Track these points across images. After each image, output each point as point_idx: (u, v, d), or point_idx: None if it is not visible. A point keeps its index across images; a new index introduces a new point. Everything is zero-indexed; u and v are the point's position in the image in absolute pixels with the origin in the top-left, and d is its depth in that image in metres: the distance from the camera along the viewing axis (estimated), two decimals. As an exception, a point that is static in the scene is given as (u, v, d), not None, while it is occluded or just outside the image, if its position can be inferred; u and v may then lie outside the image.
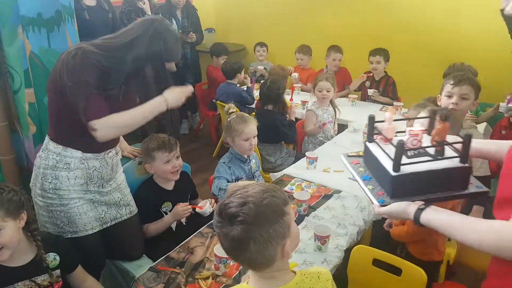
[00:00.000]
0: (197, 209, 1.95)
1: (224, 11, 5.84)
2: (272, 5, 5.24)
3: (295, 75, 4.20)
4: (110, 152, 1.79)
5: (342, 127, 3.39)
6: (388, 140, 1.19)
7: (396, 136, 1.22)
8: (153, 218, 2.01)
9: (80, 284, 1.68)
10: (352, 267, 1.78)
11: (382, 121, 1.23)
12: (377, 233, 2.25)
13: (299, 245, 1.76)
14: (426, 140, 1.18)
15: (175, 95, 1.69)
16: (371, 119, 1.22)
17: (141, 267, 1.81)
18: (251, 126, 2.20)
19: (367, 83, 3.93)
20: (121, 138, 2.09)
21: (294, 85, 4.14)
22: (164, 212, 2.03)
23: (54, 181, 1.67)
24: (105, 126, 1.54)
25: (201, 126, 4.88)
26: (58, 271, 1.58)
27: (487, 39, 3.78)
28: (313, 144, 3.19)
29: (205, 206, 1.94)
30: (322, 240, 1.74)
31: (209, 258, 1.73)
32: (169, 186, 2.08)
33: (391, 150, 1.10)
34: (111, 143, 1.78)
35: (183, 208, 1.95)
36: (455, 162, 1.11)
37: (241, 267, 1.67)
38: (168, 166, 1.98)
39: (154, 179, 2.07)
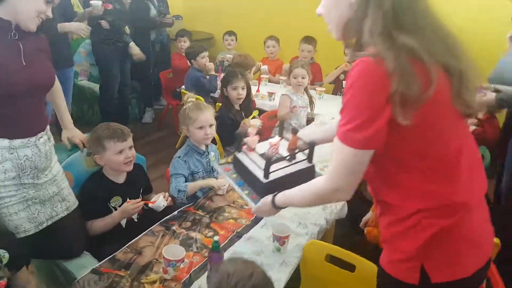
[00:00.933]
0: (150, 204, 1.81)
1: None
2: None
3: (265, 67, 4.07)
4: (41, 137, 1.61)
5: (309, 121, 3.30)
6: (252, 149, 1.54)
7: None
8: (101, 214, 1.85)
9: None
10: (305, 263, 1.69)
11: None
12: (340, 232, 2.18)
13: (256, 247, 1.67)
14: (282, 146, 1.53)
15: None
16: (238, 135, 1.63)
17: (83, 268, 1.65)
18: (207, 114, 2.09)
19: (342, 76, 3.87)
20: (71, 125, 1.92)
21: (261, 75, 4.02)
22: (113, 207, 1.88)
23: None
24: None
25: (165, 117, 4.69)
26: (6, 270, 1.40)
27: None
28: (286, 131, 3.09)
29: (158, 200, 1.80)
30: (281, 240, 1.65)
31: (158, 260, 1.60)
32: (120, 179, 1.93)
33: (256, 157, 1.49)
34: (40, 125, 1.62)
35: (133, 205, 1.80)
36: (305, 163, 1.50)
37: (191, 270, 1.54)
38: (120, 157, 1.83)
39: (104, 172, 1.91)
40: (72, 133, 1.91)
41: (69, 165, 1.87)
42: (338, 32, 1.11)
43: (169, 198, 1.90)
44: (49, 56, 1.71)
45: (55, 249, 1.74)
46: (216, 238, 1.48)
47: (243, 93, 2.80)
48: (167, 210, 1.88)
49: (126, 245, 1.68)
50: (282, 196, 1.30)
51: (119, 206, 1.88)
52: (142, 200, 1.86)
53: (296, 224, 1.84)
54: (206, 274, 1.51)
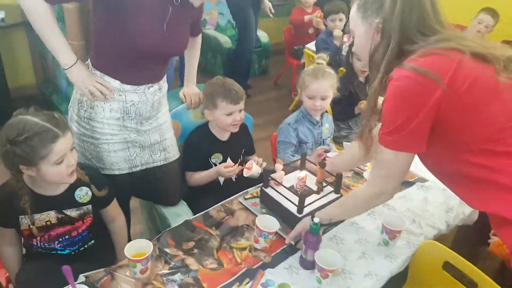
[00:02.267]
0: (245, 171, 1.71)
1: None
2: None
3: None
4: (151, 87, 1.58)
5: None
6: (280, 184, 1.57)
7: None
8: (201, 168, 1.81)
9: (109, 223, 1.57)
10: (416, 263, 1.45)
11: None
12: (457, 236, 1.85)
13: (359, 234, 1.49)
14: (309, 179, 1.61)
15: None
16: (267, 171, 1.61)
17: (178, 217, 1.65)
18: (322, 84, 1.86)
19: None
20: (192, 84, 1.88)
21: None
22: (213, 163, 1.82)
23: (89, 110, 1.52)
24: None
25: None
26: (89, 207, 1.46)
27: None
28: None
29: (253, 167, 1.69)
30: (391, 234, 1.43)
31: (250, 227, 1.50)
32: (224, 136, 1.85)
33: (286, 191, 1.53)
34: (153, 77, 1.57)
35: (228, 170, 1.72)
36: (333, 195, 1.57)
37: (284, 246, 1.42)
38: (229, 119, 1.74)
39: (209, 126, 1.85)
40: (190, 90, 1.86)
41: (178, 114, 1.85)
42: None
43: (264, 163, 1.78)
44: (200, 12, 1.69)
45: (152, 193, 1.77)
46: (316, 220, 1.32)
47: None
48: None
49: (220, 203, 1.62)
50: (323, 215, 1.36)
51: (219, 163, 1.82)
52: (239, 165, 1.77)
53: (409, 220, 1.58)
54: (298, 253, 1.38)
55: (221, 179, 1.84)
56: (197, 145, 1.81)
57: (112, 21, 1.40)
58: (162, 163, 1.72)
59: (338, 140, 2.50)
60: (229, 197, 1.66)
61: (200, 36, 1.84)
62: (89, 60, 1.54)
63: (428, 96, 0.99)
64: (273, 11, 3.91)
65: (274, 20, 4.31)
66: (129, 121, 1.57)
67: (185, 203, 1.78)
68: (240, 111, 1.77)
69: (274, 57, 4.84)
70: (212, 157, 1.81)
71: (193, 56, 1.87)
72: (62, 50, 1.42)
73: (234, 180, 1.86)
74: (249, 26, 3.87)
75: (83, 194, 1.44)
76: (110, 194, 1.52)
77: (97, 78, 1.48)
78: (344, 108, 2.41)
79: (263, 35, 4.64)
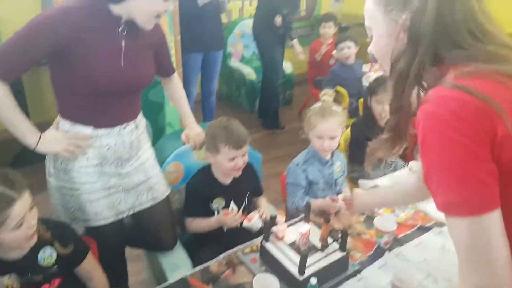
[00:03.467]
0: (244, 222, 1.64)
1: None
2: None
3: None
4: (127, 126, 1.52)
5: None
6: (280, 239, 1.45)
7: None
8: (201, 213, 1.74)
9: (85, 282, 1.48)
10: None
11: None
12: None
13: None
14: (313, 235, 1.45)
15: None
16: (268, 224, 1.46)
17: (176, 270, 1.58)
18: (329, 124, 1.76)
19: None
20: (192, 124, 1.81)
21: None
22: (215, 209, 1.75)
23: (65, 161, 1.47)
24: None
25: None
26: (55, 268, 1.36)
27: None
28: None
29: (253, 219, 1.61)
30: (401, 292, 1.28)
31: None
32: (227, 180, 1.78)
33: (287, 249, 1.42)
34: (126, 116, 1.52)
35: (231, 220, 1.65)
36: (338, 253, 1.42)
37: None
38: (231, 164, 1.68)
39: (212, 169, 1.79)
40: (192, 131, 1.79)
41: (180, 156, 1.82)
42: None
43: (267, 217, 1.67)
44: (164, 46, 1.66)
45: (145, 239, 1.71)
46: (314, 281, 1.21)
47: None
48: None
49: (222, 254, 1.52)
50: None
51: (222, 208, 1.74)
52: (243, 211, 1.70)
53: (425, 274, 1.43)
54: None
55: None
56: (197, 189, 1.75)
57: (67, 69, 1.38)
58: (150, 204, 1.65)
59: (354, 180, 2.36)
60: (233, 245, 1.55)
61: (175, 75, 1.79)
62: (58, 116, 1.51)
63: (488, 128, 0.70)
64: (302, 57, 3.88)
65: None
66: (108, 166, 1.52)
67: (185, 250, 1.71)
68: (244, 155, 1.70)
69: (299, 87, 4.79)
70: (213, 202, 1.74)
71: (178, 98, 1.81)
72: (25, 132, 1.38)
73: (238, 226, 1.78)
74: (276, 65, 3.87)
75: (46, 256, 1.33)
76: (81, 250, 1.44)
77: (67, 136, 1.44)
78: (359, 153, 2.26)
79: (287, 66, 4.62)
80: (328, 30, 3.99)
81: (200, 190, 1.74)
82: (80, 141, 1.44)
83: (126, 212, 1.61)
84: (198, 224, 1.73)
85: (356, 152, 2.25)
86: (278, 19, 3.55)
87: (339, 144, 1.92)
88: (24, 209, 1.20)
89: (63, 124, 1.47)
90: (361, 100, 2.99)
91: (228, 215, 1.65)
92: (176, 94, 1.81)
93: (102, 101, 1.43)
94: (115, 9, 1.37)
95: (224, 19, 4.46)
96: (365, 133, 2.22)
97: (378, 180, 1.99)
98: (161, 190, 1.69)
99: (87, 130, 1.46)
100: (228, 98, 4.79)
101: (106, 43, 1.39)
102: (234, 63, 4.66)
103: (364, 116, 2.36)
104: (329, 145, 1.79)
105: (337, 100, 3.14)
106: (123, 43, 1.42)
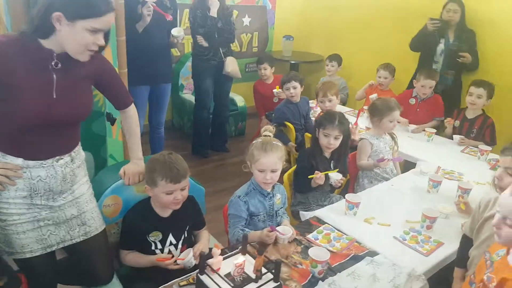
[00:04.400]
0: (178, 261, 1.65)
1: (305, 17, 5.47)
2: (361, 15, 4.74)
3: (374, 96, 3.64)
4: (60, 159, 1.51)
5: (408, 165, 2.84)
6: (215, 271, 1.45)
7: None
8: (138, 246, 1.72)
9: None
10: None
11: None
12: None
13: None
14: (249, 266, 1.48)
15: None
16: (203, 257, 1.45)
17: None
18: (271, 158, 1.81)
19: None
20: (135, 160, 1.80)
21: (364, 107, 3.63)
22: (152, 241, 1.73)
23: None
24: None
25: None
26: None
27: None
28: (368, 179, 2.70)
29: (187, 258, 1.63)
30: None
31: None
32: (166, 213, 1.77)
33: (221, 281, 1.42)
34: (60, 149, 1.51)
35: (165, 263, 1.64)
36: (271, 283, 1.45)
37: None
38: (169, 197, 1.68)
39: (151, 202, 1.77)
40: (132, 167, 1.79)
41: (119, 189, 1.79)
42: None
43: (200, 255, 1.63)
44: (108, 77, 1.65)
45: (77, 275, 1.66)
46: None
47: (335, 143, 2.36)
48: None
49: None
50: None
51: (159, 241, 1.73)
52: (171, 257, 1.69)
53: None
54: None
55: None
56: (134, 222, 1.72)
57: (3, 100, 1.37)
58: (81, 239, 1.61)
59: (295, 211, 2.42)
60: (170, 278, 1.54)
61: (130, 109, 1.78)
62: None
63: None
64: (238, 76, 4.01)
65: (250, 84, 4.41)
66: (38, 198, 1.49)
67: (121, 285, 1.67)
68: (183, 189, 1.70)
69: (253, 119, 4.89)
70: (150, 235, 1.72)
71: (128, 131, 1.81)
72: None
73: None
74: (204, 93, 3.95)
75: None
76: (12, 285, 1.41)
77: None
78: (305, 182, 2.34)
79: (239, 99, 4.77)
80: (265, 71, 4.17)
81: (137, 222, 1.72)
82: (9, 172, 1.41)
83: (55, 246, 1.56)
84: (134, 259, 1.71)
85: (302, 180, 2.36)
86: (199, 39, 3.66)
87: (280, 177, 1.98)
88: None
89: None
90: (307, 134, 3.11)
91: (162, 260, 1.65)
92: (127, 126, 1.80)
93: (32, 134, 1.42)
94: (45, 43, 1.39)
95: (176, 52, 4.55)
96: (311, 162, 2.36)
97: (318, 212, 2.07)
98: (95, 226, 1.66)
99: (18, 161, 1.43)
100: (180, 128, 4.81)
101: (37, 76, 1.39)
102: (186, 95, 4.72)
103: (312, 146, 2.49)
104: (270, 178, 1.84)
105: (284, 134, 3.27)
106: (54, 76, 1.42)
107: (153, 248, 1.73)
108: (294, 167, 2.50)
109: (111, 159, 2.29)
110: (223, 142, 4.39)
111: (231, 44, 3.96)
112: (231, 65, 3.87)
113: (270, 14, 5.40)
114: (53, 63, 1.40)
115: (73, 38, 1.36)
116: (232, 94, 4.38)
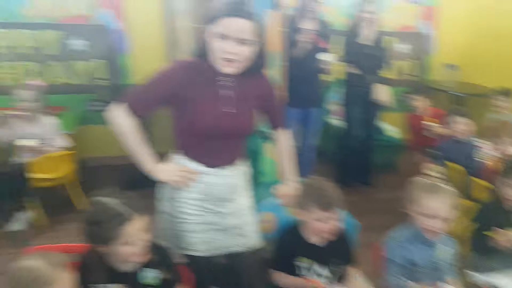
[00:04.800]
0: None
1: (472, 45, 4.93)
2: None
3: None
4: (227, 169, 1.64)
5: None
6: None
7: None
8: (286, 268, 1.71)
9: None
10: None
11: None
12: None
13: None
14: None
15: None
16: None
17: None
18: (441, 204, 1.62)
19: None
20: (288, 181, 1.81)
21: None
22: (298, 266, 1.71)
23: (172, 190, 1.63)
24: None
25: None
26: None
27: None
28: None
29: None
30: None
31: None
32: (314, 240, 1.73)
33: None
34: (226, 159, 1.64)
35: (315, 285, 1.61)
36: None
37: None
38: (319, 225, 1.65)
39: (301, 226, 1.75)
40: (285, 189, 1.80)
41: (274, 206, 1.84)
42: None
43: None
44: (270, 100, 1.71)
45: (230, 283, 1.74)
46: None
47: None
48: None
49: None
50: None
51: (305, 267, 1.70)
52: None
53: None
54: None
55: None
56: (284, 244, 1.73)
57: (179, 112, 1.56)
58: (242, 250, 1.69)
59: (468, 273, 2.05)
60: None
61: (285, 131, 1.82)
62: None
63: None
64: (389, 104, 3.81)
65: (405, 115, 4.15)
66: (208, 203, 1.63)
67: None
68: (334, 219, 1.65)
69: (405, 153, 4.54)
70: (296, 259, 1.70)
71: (282, 152, 1.83)
72: (145, 160, 1.58)
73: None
74: (352, 120, 3.84)
75: (151, 276, 1.47)
76: (174, 278, 1.52)
77: (178, 168, 1.60)
78: (481, 239, 1.99)
79: (391, 130, 4.49)
80: (419, 102, 3.85)
81: (286, 245, 1.72)
82: (186, 174, 1.59)
83: (217, 250, 1.68)
84: (282, 279, 1.71)
85: (480, 241, 2.04)
86: (349, 65, 3.56)
87: (450, 228, 1.73)
88: (135, 230, 1.36)
89: (176, 157, 1.65)
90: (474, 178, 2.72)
91: (312, 283, 1.62)
92: (281, 147, 1.83)
93: (206, 143, 1.59)
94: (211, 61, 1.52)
95: (325, 77, 4.54)
96: (492, 220, 2.02)
97: (498, 280, 1.75)
98: (253, 241, 1.73)
99: (194, 166, 1.61)
100: (325, 153, 4.74)
101: (208, 92, 1.54)
102: (334, 120, 4.65)
103: (492, 200, 2.16)
104: (435, 225, 1.64)
105: (446, 176, 2.92)
106: (227, 93, 1.56)
107: (298, 272, 1.71)
108: (465, 218, 2.18)
109: (264, 176, 2.35)
110: (369, 174, 4.19)
111: (383, 71, 3.80)
112: (382, 93, 3.71)
113: (430, 41, 5.04)
114: (223, 80, 1.54)
115: (211, 48, 1.47)
116: (384, 124, 4.17)
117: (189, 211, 1.62)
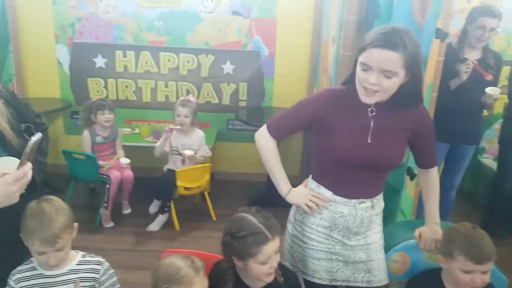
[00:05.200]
0: None
1: None
2: None
3: None
4: (363, 203, 1.57)
5: None
6: None
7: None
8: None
9: None
10: None
11: None
12: None
13: None
14: None
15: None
16: None
17: None
18: None
19: None
20: (434, 220, 1.70)
21: None
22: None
23: (303, 214, 1.65)
24: None
25: None
26: None
27: None
28: None
29: None
30: None
31: None
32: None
33: None
34: (365, 193, 1.58)
35: None
36: None
37: None
38: (465, 277, 1.49)
39: (442, 274, 1.61)
40: (428, 231, 1.68)
41: (410, 248, 1.72)
42: None
43: None
44: (424, 137, 1.61)
45: None
46: None
47: None
48: None
49: None
50: None
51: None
52: None
53: None
54: None
55: None
56: (419, 288, 1.59)
57: (320, 137, 1.58)
58: (364, 285, 1.62)
59: None
60: None
61: (433, 170, 1.69)
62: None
63: None
64: None
65: None
66: (336, 233, 1.60)
67: None
68: (484, 273, 1.47)
69: None
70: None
71: (428, 192, 1.71)
72: (281, 182, 1.64)
73: None
74: (509, 160, 3.36)
75: None
76: None
77: (311, 193, 1.62)
78: None
79: None
80: None
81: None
82: (319, 201, 1.60)
83: (339, 281, 1.64)
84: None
85: None
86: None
87: None
88: (272, 250, 1.43)
89: (311, 183, 1.67)
90: None
91: None
92: (427, 187, 1.73)
93: (344, 172, 1.56)
94: None
95: (484, 112, 4.11)
96: None
97: None
98: (379, 277, 1.64)
99: (328, 194, 1.60)
100: (470, 195, 4.26)
101: (354, 121, 1.52)
102: (486, 159, 4.17)
103: None
104: None
105: None
106: (371, 123, 1.51)
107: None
108: None
109: (401, 214, 2.22)
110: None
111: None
112: None
113: None
114: (369, 110, 1.50)
115: (357, 77, 1.45)
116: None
117: (316, 237, 1.62)
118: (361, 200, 1.57)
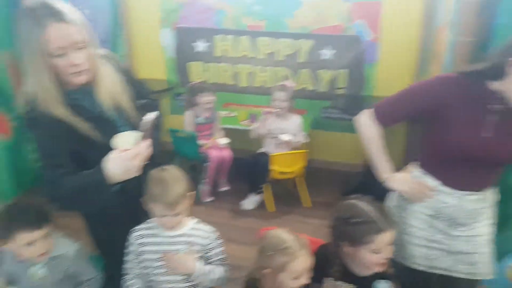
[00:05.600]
0: None
1: None
2: None
3: None
4: (471, 195, 1.49)
5: None
6: None
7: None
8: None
9: None
10: None
11: None
12: None
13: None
14: None
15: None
16: None
17: None
18: None
19: None
20: None
21: None
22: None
23: (406, 200, 1.64)
24: None
25: None
26: None
27: None
28: None
29: None
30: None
31: None
32: None
33: None
34: (475, 185, 1.50)
35: None
36: None
37: None
38: None
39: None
40: None
41: None
42: None
43: None
44: None
45: None
46: None
47: None
48: None
49: None
50: None
51: None
52: None
53: None
54: None
55: None
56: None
57: (432, 126, 1.52)
58: (464, 276, 1.56)
59: None
60: None
61: None
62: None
63: None
64: None
65: None
66: (439, 222, 1.55)
67: None
68: None
69: None
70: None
71: None
72: (381, 168, 1.61)
73: None
74: None
75: (380, 286, 1.49)
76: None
77: (414, 181, 1.57)
78: None
79: None
80: None
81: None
82: (423, 189, 1.55)
83: (437, 269, 1.61)
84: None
85: None
86: None
87: None
88: (385, 242, 1.45)
89: (417, 171, 1.62)
90: None
91: None
92: None
93: (453, 163, 1.50)
94: (492, 85, 1.39)
95: None
96: None
97: None
98: (483, 271, 1.57)
99: (433, 183, 1.55)
100: None
101: (472, 114, 1.42)
102: None
103: None
104: None
105: None
106: (493, 117, 1.41)
107: None
108: None
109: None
110: None
111: None
112: None
113: None
114: (493, 105, 1.41)
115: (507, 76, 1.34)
116: None
117: (417, 224, 1.59)
118: (469, 192, 1.51)
